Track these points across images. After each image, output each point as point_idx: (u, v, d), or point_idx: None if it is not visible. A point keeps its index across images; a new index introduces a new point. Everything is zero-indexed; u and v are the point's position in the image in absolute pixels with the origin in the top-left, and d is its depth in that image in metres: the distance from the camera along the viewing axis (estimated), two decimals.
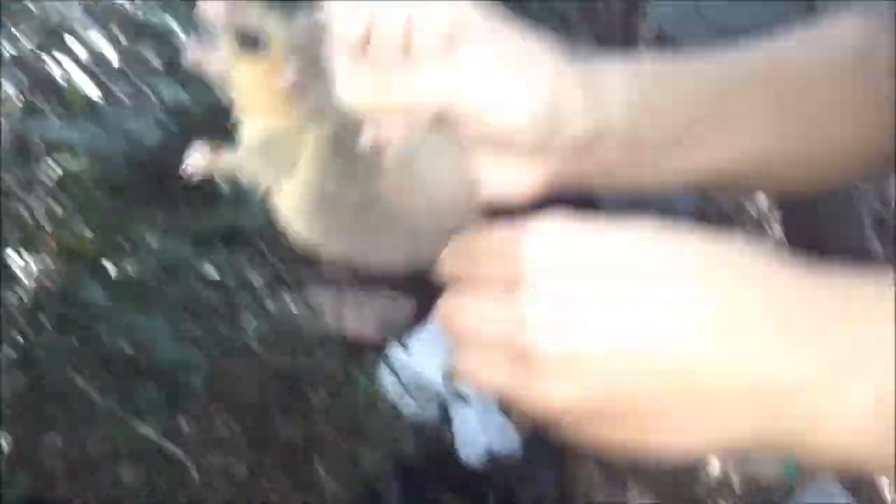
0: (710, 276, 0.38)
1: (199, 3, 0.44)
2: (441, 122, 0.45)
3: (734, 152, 0.54)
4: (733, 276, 0.38)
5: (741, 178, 0.56)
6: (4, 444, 1.30)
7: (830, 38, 0.58)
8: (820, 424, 0.37)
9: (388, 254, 0.47)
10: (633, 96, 0.50)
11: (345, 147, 0.44)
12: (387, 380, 1.86)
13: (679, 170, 0.54)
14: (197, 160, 0.45)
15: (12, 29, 1.32)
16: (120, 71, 1.37)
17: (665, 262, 0.38)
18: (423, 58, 0.44)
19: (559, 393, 0.37)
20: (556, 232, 0.38)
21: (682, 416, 0.38)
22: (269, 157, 0.45)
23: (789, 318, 0.37)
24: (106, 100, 1.34)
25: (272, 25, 0.43)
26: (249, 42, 0.43)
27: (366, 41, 0.43)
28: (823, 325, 0.37)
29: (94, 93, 1.33)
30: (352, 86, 0.44)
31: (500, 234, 0.39)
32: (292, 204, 0.46)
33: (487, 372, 0.39)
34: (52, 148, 1.34)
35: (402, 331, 2.06)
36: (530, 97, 0.46)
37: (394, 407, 1.85)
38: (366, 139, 0.44)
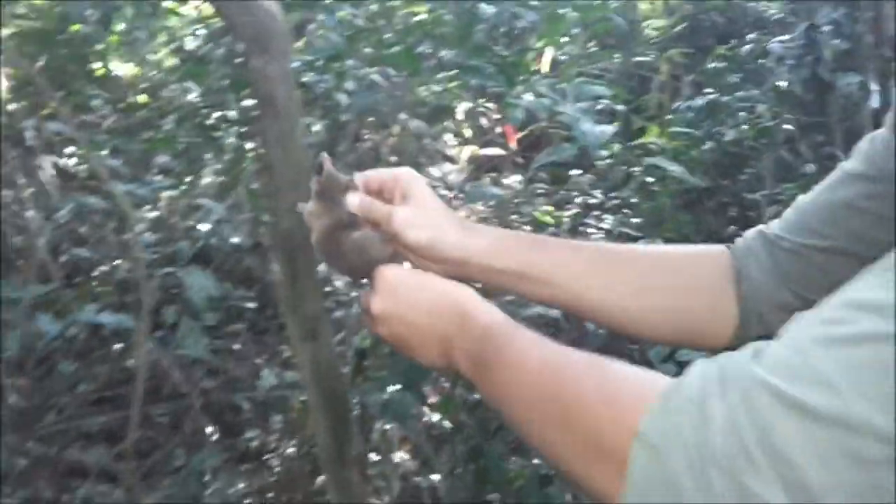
0: (433, 306, 0.88)
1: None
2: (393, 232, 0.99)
3: (552, 298, 1.00)
4: (441, 309, 0.87)
5: (574, 312, 1.04)
6: None
7: (700, 259, 1.00)
8: (457, 363, 0.85)
9: (347, 273, 1.04)
10: (490, 245, 0.98)
11: (335, 227, 0.99)
12: None
13: (526, 295, 1.03)
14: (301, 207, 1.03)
15: None
16: None
17: (419, 297, 0.90)
18: (392, 200, 0.99)
19: (381, 331, 0.94)
20: (389, 278, 0.93)
21: (420, 350, 0.90)
22: (310, 220, 1.00)
23: (447, 325, 0.86)
24: None
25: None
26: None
27: (376, 190, 0.99)
28: (455, 328, 0.84)
29: None
30: (358, 202, 0.97)
31: (379, 273, 0.94)
32: (315, 244, 1.01)
33: (367, 322, 0.97)
34: None
35: None
36: (426, 232, 0.96)
37: None
38: (349, 226, 0.99)
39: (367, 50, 2.75)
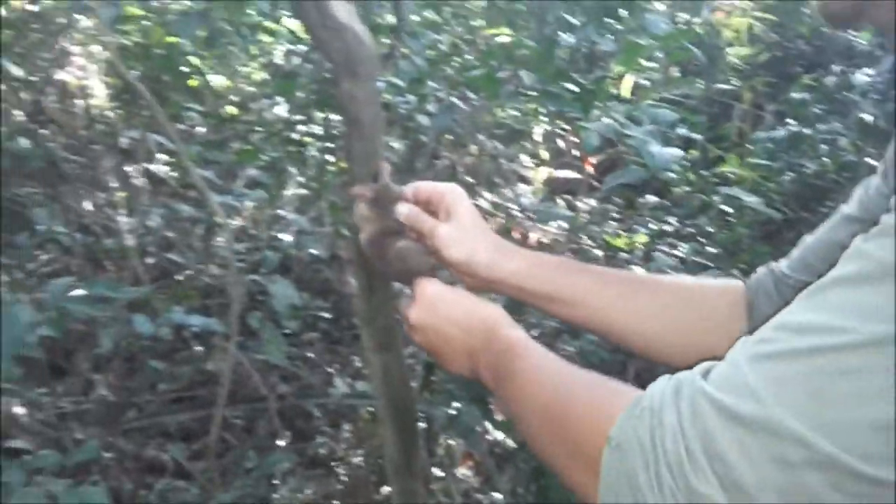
0: (465, 321, 0.98)
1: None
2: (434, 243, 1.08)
3: (579, 319, 1.09)
4: (471, 325, 0.97)
5: (600, 334, 1.11)
6: None
7: (712, 291, 1.08)
8: (481, 374, 0.94)
9: (389, 277, 1.17)
10: (522, 268, 1.07)
11: (383, 233, 1.10)
12: None
13: (556, 315, 1.11)
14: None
15: None
16: None
17: (454, 312, 1.00)
18: (438, 215, 1.08)
19: (416, 338, 1.04)
20: (428, 292, 1.02)
21: (450, 359, 1.00)
22: (362, 224, 1.12)
23: (475, 340, 0.96)
24: None
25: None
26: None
27: (424, 201, 1.09)
28: (482, 343, 0.95)
29: None
30: (406, 213, 1.07)
31: (420, 285, 1.04)
32: (363, 245, 1.11)
33: (406, 329, 1.06)
34: None
35: None
36: (464, 250, 1.06)
37: None
38: (396, 233, 1.11)
39: (449, 72, 2.81)
